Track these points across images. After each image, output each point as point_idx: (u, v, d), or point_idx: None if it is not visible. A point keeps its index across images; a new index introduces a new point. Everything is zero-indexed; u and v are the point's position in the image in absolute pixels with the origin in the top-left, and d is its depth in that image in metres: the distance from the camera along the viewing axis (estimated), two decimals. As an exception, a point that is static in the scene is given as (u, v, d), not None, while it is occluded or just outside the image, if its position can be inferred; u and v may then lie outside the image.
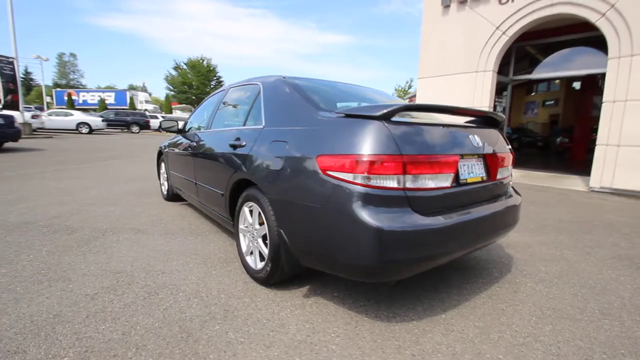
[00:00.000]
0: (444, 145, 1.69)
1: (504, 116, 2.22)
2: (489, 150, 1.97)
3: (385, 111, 1.53)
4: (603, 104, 5.80)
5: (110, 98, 39.77)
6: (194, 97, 26.42)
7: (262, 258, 2.15)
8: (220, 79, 27.42)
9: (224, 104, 3.01)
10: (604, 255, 2.96)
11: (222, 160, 2.51)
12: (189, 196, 3.48)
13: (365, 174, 1.48)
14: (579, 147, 11.65)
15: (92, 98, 40.42)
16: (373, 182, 1.49)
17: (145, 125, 25.76)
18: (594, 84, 11.55)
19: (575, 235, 3.53)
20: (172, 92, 27.52)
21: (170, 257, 2.57)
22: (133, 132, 24.52)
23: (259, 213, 2.11)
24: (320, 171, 1.61)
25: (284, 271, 2.00)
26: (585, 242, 3.30)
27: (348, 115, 1.68)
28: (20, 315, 1.77)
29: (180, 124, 3.82)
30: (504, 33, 6.79)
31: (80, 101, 39.92)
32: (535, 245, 3.16)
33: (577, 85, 15.08)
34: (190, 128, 3.77)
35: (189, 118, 3.89)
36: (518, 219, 2.23)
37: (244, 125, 2.46)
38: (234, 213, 2.49)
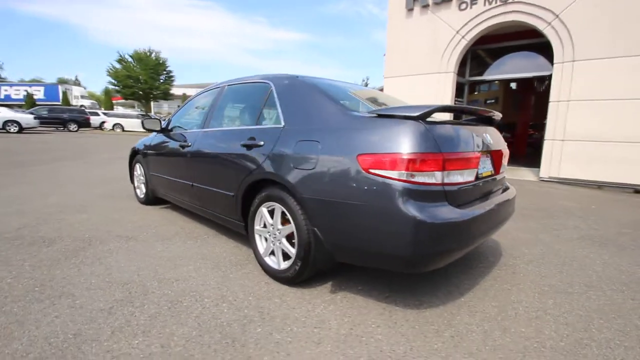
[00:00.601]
0: (469, 143, 1.83)
1: (501, 115, 2.45)
2: (495, 147, 2.17)
3: (423, 112, 1.63)
4: (550, 104, 6.57)
5: (39, 93, 35.38)
6: (141, 92, 24.52)
7: (285, 257, 2.15)
8: (171, 74, 25.80)
9: (222, 102, 2.90)
10: (570, 237, 3.39)
11: (233, 161, 2.43)
12: (180, 200, 3.31)
13: (410, 171, 1.57)
14: (520, 142, 12.97)
15: (17, 93, 35.61)
16: (416, 179, 1.58)
17: (84, 123, 23.43)
18: (531, 85, 12.93)
19: (541, 220, 3.99)
20: (116, 87, 25.25)
21: (178, 264, 2.44)
22: (71, 131, 22.19)
23: (282, 213, 2.10)
24: (362, 169, 1.66)
25: (312, 268, 2.02)
26: (552, 226, 3.75)
27: (382, 115, 1.75)
28: (32, 338, 1.58)
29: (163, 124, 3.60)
30: (463, 37, 7.34)
31: (2, 96, 35.05)
32: (512, 231, 3.51)
33: (513, 85, 16.64)
34: (173, 127, 3.57)
35: (171, 117, 3.68)
36: (515, 208, 2.49)
37: (257, 124, 2.41)
38: (245, 215, 2.44)
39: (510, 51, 7.75)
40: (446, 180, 1.65)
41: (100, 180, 5.66)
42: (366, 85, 32.65)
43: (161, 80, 25.31)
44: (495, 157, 2.21)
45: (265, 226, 2.28)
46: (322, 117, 1.98)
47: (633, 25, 5.46)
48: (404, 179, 1.57)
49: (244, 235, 2.56)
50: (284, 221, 2.12)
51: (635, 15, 5.43)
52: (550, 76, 6.69)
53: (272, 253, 2.24)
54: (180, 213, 3.79)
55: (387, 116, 1.73)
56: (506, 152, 2.41)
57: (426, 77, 7.92)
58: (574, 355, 1.59)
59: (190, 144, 2.98)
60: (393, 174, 1.58)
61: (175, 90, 28.30)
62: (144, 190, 4.07)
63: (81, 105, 33.81)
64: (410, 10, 7.91)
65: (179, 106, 3.70)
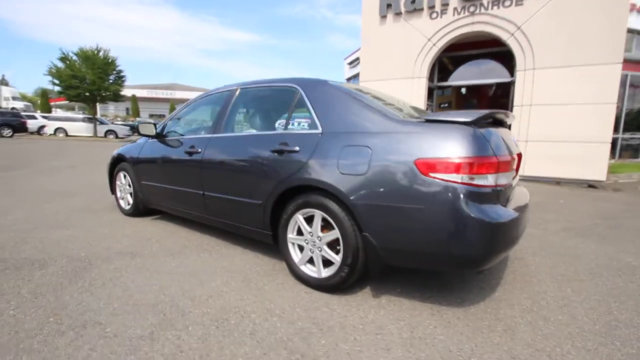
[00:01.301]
0: (509, 146, 1.94)
1: (514, 116, 2.62)
2: (517, 149, 2.32)
3: (476, 117, 1.70)
4: (514, 107, 7.19)
5: (-41, 93, 30.99)
6: (87, 94, 22.44)
7: (325, 265, 2.10)
8: (122, 74, 23.95)
9: (235, 106, 2.76)
10: (555, 229, 3.73)
11: (260, 168, 2.33)
12: (184, 210, 3.09)
13: (470, 174, 1.62)
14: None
15: None
16: (476, 181, 1.64)
17: (20, 128, 20.94)
18: (483, 90, 14.00)
19: (525, 215, 4.33)
20: (58, 87, 22.87)
21: (203, 279, 2.28)
22: (4, 136, 19.69)
23: (323, 219, 2.06)
24: (421, 174, 1.69)
25: (358, 274, 2.00)
26: (535, 220, 4.08)
27: (431, 121, 1.79)
28: (74, 377, 1.38)
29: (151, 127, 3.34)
30: (434, 45, 7.76)
31: None
32: (505, 226, 3.77)
33: (464, 90, 17.84)
34: (170, 133, 3.34)
35: (165, 121, 3.43)
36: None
37: (286, 129, 2.34)
38: (274, 223, 2.35)
39: (475, 58, 8.35)
40: (498, 182, 1.73)
41: (64, 190, 5.09)
42: None
43: (110, 81, 23.36)
44: (518, 159, 2.36)
45: (300, 234, 2.22)
46: (364, 123, 1.97)
47: (584, 39, 6.18)
48: (466, 182, 1.62)
49: (266, 244, 2.46)
50: (324, 228, 2.08)
51: (585, 30, 6.15)
52: (511, 83, 7.32)
53: (310, 261, 2.19)
54: (177, 223, 3.55)
55: (437, 121, 1.78)
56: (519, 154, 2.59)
57: (401, 82, 8.23)
58: (611, 336, 1.75)
59: (199, 150, 2.80)
60: (455, 177, 1.62)
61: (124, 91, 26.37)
62: (131, 201, 3.74)
63: (12, 108, 30.19)
64: (383, 17, 8.19)
65: (176, 110, 3.46)
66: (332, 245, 2.07)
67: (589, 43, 6.16)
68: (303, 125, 2.27)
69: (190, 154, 2.87)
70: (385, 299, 2.07)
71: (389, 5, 8.02)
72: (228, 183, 2.59)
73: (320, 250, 2.11)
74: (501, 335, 1.73)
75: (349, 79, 32.52)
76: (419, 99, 8.12)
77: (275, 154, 2.25)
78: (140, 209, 3.70)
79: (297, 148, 2.15)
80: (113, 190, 4.07)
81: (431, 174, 1.67)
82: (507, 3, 6.79)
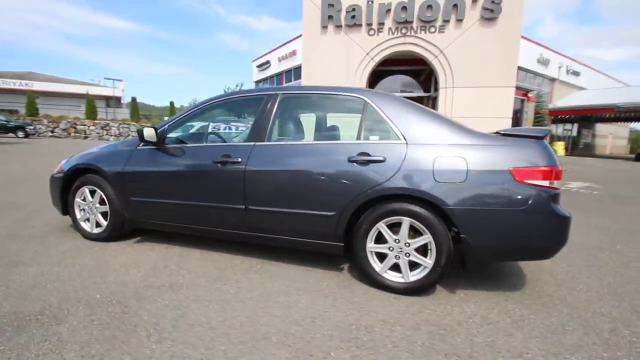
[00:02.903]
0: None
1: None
2: None
3: (545, 134, 2.09)
4: (439, 119, 8.46)
5: None
6: None
7: (412, 269, 2.21)
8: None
9: (281, 114, 2.57)
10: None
11: (336, 178, 2.26)
12: (208, 229, 2.70)
13: (552, 180, 1.99)
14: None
15: None
16: (554, 185, 2.02)
17: None
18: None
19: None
20: None
21: (285, 302, 2.09)
22: None
23: (410, 226, 2.16)
24: (517, 181, 1.98)
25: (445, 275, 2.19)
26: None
27: (514, 135, 2.11)
28: None
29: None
30: (372, 59, 8.50)
31: None
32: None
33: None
34: (173, 139, 2.87)
35: (163, 126, 2.88)
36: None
37: (359, 139, 2.33)
38: (347, 234, 2.32)
39: (406, 73, 9.48)
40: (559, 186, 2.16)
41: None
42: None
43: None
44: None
45: (379, 242, 2.26)
46: (452, 135, 2.16)
47: (487, 66, 7.77)
48: (552, 186, 1.99)
49: (307, 256, 2.41)
50: (409, 234, 2.18)
51: (488, 59, 7.74)
52: (435, 97, 8.63)
53: (393, 268, 2.25)
54: (177, 244, 3.03)
55: (516, 136, 2.11)
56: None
57: (341, 91, 8.71)
58: None
59: (238, 159, 2.50)
60: (544, 182, 1.97)
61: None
62: (105, 222, 3.03)
63: None
64: (325, 27, 8.53)
65: (177, 115, 2.95)
66: (419, 250, 2.19)
67: (491, 69, 7.80)
68: (385, 136, 2.30)
69: (223, 163, 2.54)
70: (461, 293, 2.30)
71: (330, 17, 8.41)
72: (286, 195, 2.41)
73: (408, 256, 2.20)
74: (596, 317, 2.11)
75: (257, 82, 32.06)
76: (359, 108, 8.75)
77: (355, 163, 2.23)
78: (118, 231, 3.03)
79: (381, 158, 2.19)
80: (67, 210, 3.20)
81: (525, 181, 1.98)
82: (432, 29, 8.00)
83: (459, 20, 7.90)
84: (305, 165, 2.37)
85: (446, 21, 7.95)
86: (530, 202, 1.98)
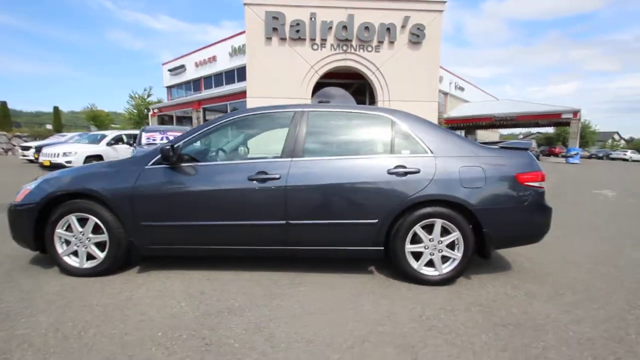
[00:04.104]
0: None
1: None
2: None
3: (528, 146, 2.73)
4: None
5: None
6: None
7: (443, 262, 2.60)
8: None
9: (312, 130, 2.68)
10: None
11: (378, 188, 2.50)
12: (242, 248, 2.63)
13: (541, 182, 2.62)
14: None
15: None
16: (542, 185, 2.66)
17: None
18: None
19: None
20: None
21: (351, 308, 2.24)
22: None
23: (442, 226, 2.55)
24: (520, 183, 2.54)
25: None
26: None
27: (510, 148, 2.69)
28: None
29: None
30: (316, 72, 8.91)
31: None
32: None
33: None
34: (192, 157, 2.72)
35: (178, 143, 2.68)
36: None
37: (393, 153, 2.61)
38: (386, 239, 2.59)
39: (348, 87, 10.13)
40: (539, 186, 2.83)
41: None
42: (149, 95, 28.77)
43: None
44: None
45: (416, 243, 2.58)
46: (465, 147, 2.63)
47: (416, 83, 8.95)
48: (541, 186, 2.61)
49: (336, 262, 2.62)
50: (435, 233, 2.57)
51: (416, 77, 8.93)
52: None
53: (428, 264, 2.60)
54: (188, 269, 2.83)
55: (512, 148, 2.69)
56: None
57: (289, 101, 8.87)
58: None
59: (276, 176, 2.53)
60: (538, 184, 2.58)
61: None
62: (104, 254, 2.65)
63: None
64: (269, 38, 8.60)
65: (191, 131, 2.75)
66: (450, 246, 2.59)
67: (418, 86, 9.02)
68: (415, 150, 2.64)
69: (261, 180, 2.54)
70: (475, 279, 2.78)
71: (274, 29, 8.54)
72: (329, 207, 2.55)
73: (441, 252, 2.58)
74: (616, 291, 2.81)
75: (170, 87, 29.54)
76: (305, 118, 9.05)
77: (394, 175, 2.52)
78: (120, 262, 2.70)
79: (417, 169, 2.53)
80: (42, 245, 2.69)
81: (526, 183, 2.55)
82: (369, 48, 8.85)
83: (392, 42, 8.96)
84: (347, 178, 2.55)
85: (381, 42, 8.92)
86: (529, 199, 2.56)
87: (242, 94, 14.66)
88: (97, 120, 30.51)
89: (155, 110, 24.44)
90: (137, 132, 14.09)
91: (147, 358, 1.68)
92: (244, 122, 2.85)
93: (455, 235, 2.55)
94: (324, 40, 8.78)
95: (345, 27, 8.64)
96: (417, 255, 2.61)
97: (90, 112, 31.66)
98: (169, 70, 28.00)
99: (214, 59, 22.89)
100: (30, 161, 13.71)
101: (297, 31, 8.63)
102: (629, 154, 38.33)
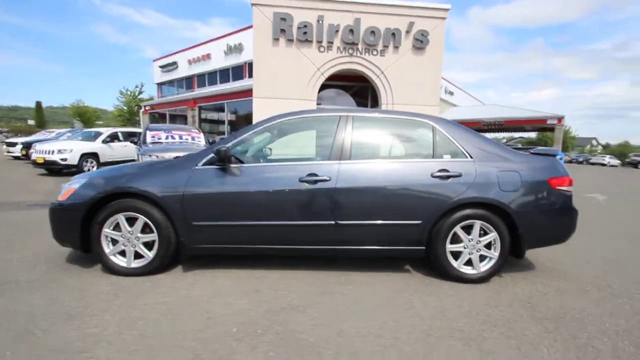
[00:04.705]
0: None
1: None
2: None
3: (556, 152, 2.93)
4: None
5: None
6: None
7: (481, 261, 2.76)
8: None
9: (357, 135, 2.80)
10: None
11: (423, 191, 2.64)
12: (290, 247, 2.72)
13: (569, 186, 2.82)
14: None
15: None
16: (570, 189, 2.85)
17: None
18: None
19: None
20: None
21: (404, 304, 2.37)
22: None
23: (480, 227, 2.72)
24: (552, 187, 2.73)
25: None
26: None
27: (540, 154, 2.87)
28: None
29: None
30: (322, 74, 9.02)
31: None
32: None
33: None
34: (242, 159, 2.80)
35: (225, 145, 2.74)
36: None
37: (435, 158, 2.75)
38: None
39: (351, 89, 10.29)
40: (564, 190, 3.03)
41: None
42: (140, 92, 28.15)
43: None
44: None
45: (456, 243, 2.74)
46: (501, 153, 2.80)
47: (418, 87, 9.19)
48: (570, 190, 2.81)
49: (367, 263, 2.75)
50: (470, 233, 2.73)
51: (419, 81, 9.17)
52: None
53: (467, 263, 2.76)
54: (234, 267, 2.89)
55: (541, 154, 2.88)
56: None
57: (295, 102, 8.93)
58: None
59: (327, 177, 2.63)
60: (568, 188, 2.78)
61: None
62: (152, 253, 2.69)
63: None
64: (276, 39, 8.66)
65: (238, 134, 2.82)
66: (485, 246, 2.75)
67: (421, 90, 9.27)
68: (454, 155, 2.79)
69: (311, 182, 2.64)
70: (507, 277, 2.95)
71: (282, 30, 8.61)
72: (376, 208, 2.67)
73: (479, 251, 2.74)
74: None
75: (161, 84, 29.00)
76: (311, 119, 9.14)
77: (437, 178, 2.66)
78: (168, 261, 2.75)
79: (459, 173, 2.68)
80: (88, 245, 2.71)
81: (557, 187, 2.75)
82: (375, 52, 9.03)
83: (396, 47, 9.17)
84: (392, 181, 2.68)
85: (386, 46, 9.12)
86: (559, 202, 2.76)
87: (241, 93, 14.63)
88: (83, 116, 29.67)
89: (147, 108, 23.92)
90: (133, 129, 13.90)
91: (231, 352, 1.76)
92: (290, 124, 2.94)
93: (493, 235, 2.71)
94: (330, 42, 8.90)
95: (351, 31, 8.79)
96: (455, 255, 2.76)
97: (77, 108, 30.75)
98: (161, 66, 27.48)
99: (208, 56, 22.62)
100: (17, 158, 13.26)
101: (305, 33, 8.72)
102: (607, 159, 40.05)
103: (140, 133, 12.69)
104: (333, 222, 2.67)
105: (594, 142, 71.45)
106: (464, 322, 2.14)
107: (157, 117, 24.27)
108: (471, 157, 2.77)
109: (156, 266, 2.71)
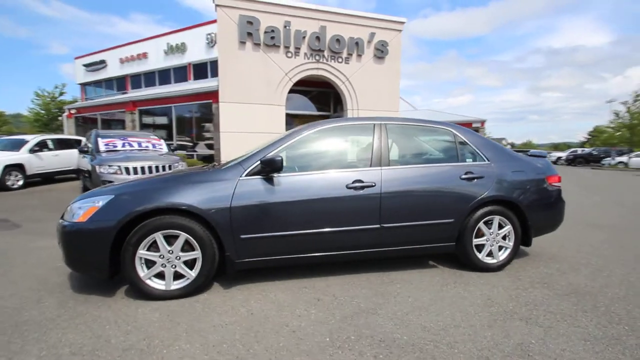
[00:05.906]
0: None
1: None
2: None
3: (546, 154, 3.47)
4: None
5: None
6: None
7: (499, 251, 3.15)
8: None
9: (391, 141, 2.98)
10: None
11: (454, 192, 2.92)
12: (337, 254, 2.78)
13: (559, 182, 3.37)
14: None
15: None
16: (560, 185, 3.40)
17: None
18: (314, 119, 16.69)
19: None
20: None
21: (451, 297, 2.60)
22: None
23: (499, 221, 3.10)
24: (549, 184, 3.24)
25: (515, 253, 3.25)
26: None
27: (536, 155, 3.38)
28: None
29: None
30: (290, 79, 9.01)
31: None
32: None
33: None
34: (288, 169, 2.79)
35: (271, 155, 2.68)
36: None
37: (459, 161, 3.05)
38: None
39: (310, 94, 10.40)
40: (550, 185, 3.59)
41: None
42: (61, 94, 24.54)
43: None
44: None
45: (479, 237, 3.08)
46: (511, 155, 3.23)
47: (380, 94, 9.75)
48: (559, 185, 3.36)
49: (401, 261, 3.02)
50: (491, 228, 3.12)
51: (380, 89, 9.73)
52: (336, 117, 10.00)
53: (489, 254, 3.12)
54: (274, 279, 2.85)
55: (537, 155, 3.39)
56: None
57: (261, 107, 8.78)
58: None
59: (372, 184, 2.76)
60: (558, 183, 3.32)
61: None
62: (195, 272, 2.52)
63: None
64: (243, 42, 8.42)
65: (279, 142, 2.77)
66: (502, 237, 3.15)
67: (383, 98, 9.85)
68: (475, 158, 3.13)
69: (357, 188, 2.73)
70: (516, 264, 3.39)
71: (249, 34, 8.41)
72: (416, 210, 2.87)
73: (498, 243, 3.12)
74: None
75: (86, 84, 25.67)
76: (280, 124, 9.08)
77: (465, 180, 2.97)
78: (210, 278, 2.61)
79: (482, 175, 3.02)
80: (121, 268, 2.44)
81: (552, 184, 3.27)
82: (340, 60, 9.35)
83: (359, 55, 9.61)
84: (428, 184, 2.93)
85: (350, 54, 9.50)
86: (555, 196, 3.29)
87: (190, 97, 13.79)
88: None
89: (72, 111, 20.95)
90: (65, 136, 12.19)
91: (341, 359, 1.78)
92: (328, 132, 2.99)
93: (508, 228, 3.12)
94: (297, 48, 8.97)
95: (318, 38, 8.98)
96: (478, 247, 3.10)
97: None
98: (85, 65, 24.37)
99: (144, 55, 20.81)
100: None
101: (272, 37, 8.65)
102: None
103: (76, 140, 11.24)
104: (378, 226, 2.80)
105: (504, 142, 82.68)
106: (512, 305, 2.45)
107: (84, 121, 21.42)
108: (488, 160, 3.15)
109: (199, 285, 2.54)
